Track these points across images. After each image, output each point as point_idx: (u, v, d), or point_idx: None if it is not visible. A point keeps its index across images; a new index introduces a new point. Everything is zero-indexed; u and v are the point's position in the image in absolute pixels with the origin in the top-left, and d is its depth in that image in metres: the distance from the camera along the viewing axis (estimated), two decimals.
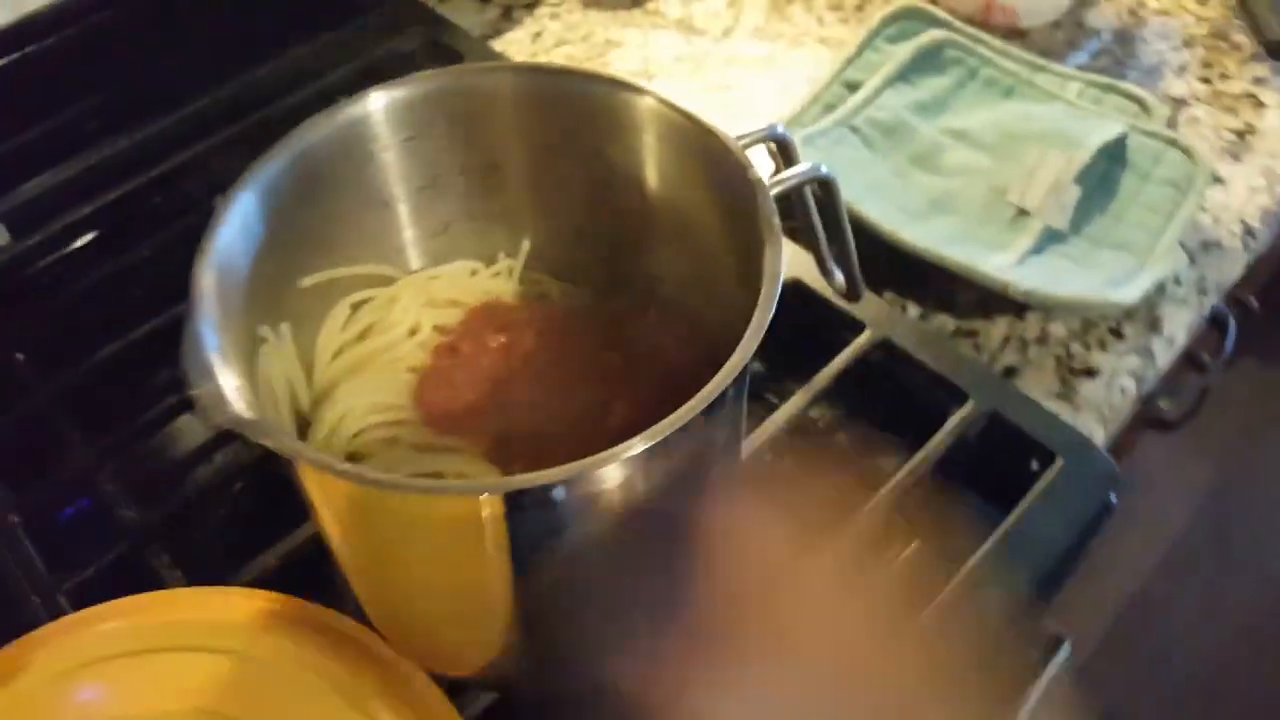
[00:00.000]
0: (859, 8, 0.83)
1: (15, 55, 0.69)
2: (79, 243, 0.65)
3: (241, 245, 0.39)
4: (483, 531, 0.34)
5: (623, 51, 0.79)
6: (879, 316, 0.57)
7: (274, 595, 0.44)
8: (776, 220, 0.37)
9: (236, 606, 0.44)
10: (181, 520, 0.51)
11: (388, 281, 0.48)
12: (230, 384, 0.33)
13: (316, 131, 0.42)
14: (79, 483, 0.53)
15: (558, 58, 0.79)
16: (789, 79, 0.76)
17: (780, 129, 0.43)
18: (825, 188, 0.43)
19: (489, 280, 0.50)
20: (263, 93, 0.69)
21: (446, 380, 0.45)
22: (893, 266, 0.61)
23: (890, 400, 0.56)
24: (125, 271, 0.62)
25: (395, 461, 0.43)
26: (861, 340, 0.56)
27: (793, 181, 0.41)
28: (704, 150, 0.42)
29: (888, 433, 0.55)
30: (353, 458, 0.44)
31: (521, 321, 0.47)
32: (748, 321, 0.35)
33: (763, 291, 0.35)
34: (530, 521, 0.34)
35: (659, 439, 0.31)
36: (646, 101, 0.44)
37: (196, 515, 0.52)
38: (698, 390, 0.33)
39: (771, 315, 0.34)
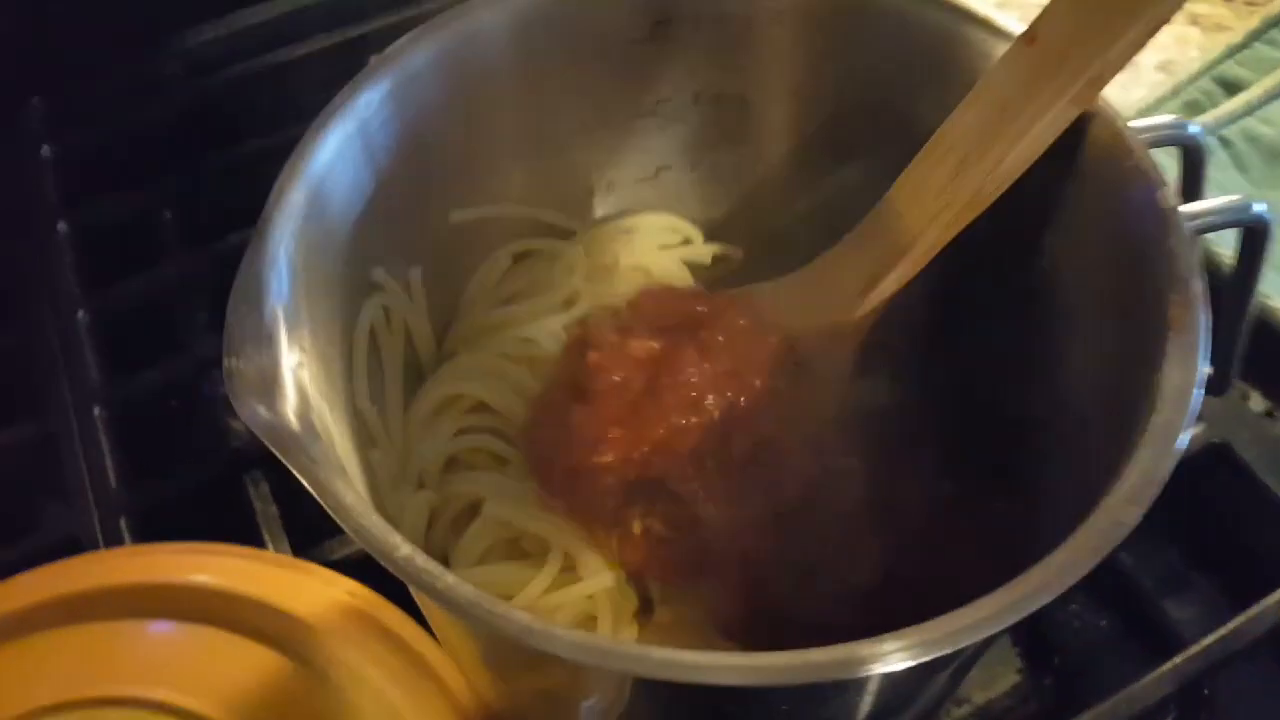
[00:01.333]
0: None
1: None
2: (251, 97, 0.55)
3: (364, 155, 0.27)
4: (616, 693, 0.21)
5: None
6: (1214, 410, 0.41)
7: (359, 590, 0.35)
8: (1199, 286, 0.23)
9: (314, 595, 0.35)
10: None
11: (565, 235, 0.36)
12: (290, 363, 0.22)
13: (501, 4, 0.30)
14: (186, 377, 0.45)
15: None
16: (1140, 58, 0.59)
17: (1194, 129, 0.28)
18: (1249, 240, 0.28)
19: (692, 252, 0.37)
20: None
21: (594, 411, 0.30)
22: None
23: (1209, 528, 0.41)
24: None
25: (491, 489, 0.31)
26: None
27: (1215, 220, 0.26)
28: (1082, 137, 0.29)
29: (1198, 572, 0.41)
30: (453, 462, 0.32)
31: (706, 319, 0.32)
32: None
33: (1158, 416, 0.21)
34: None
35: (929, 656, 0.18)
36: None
37: None
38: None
39: (1172, 466, 0.20)
